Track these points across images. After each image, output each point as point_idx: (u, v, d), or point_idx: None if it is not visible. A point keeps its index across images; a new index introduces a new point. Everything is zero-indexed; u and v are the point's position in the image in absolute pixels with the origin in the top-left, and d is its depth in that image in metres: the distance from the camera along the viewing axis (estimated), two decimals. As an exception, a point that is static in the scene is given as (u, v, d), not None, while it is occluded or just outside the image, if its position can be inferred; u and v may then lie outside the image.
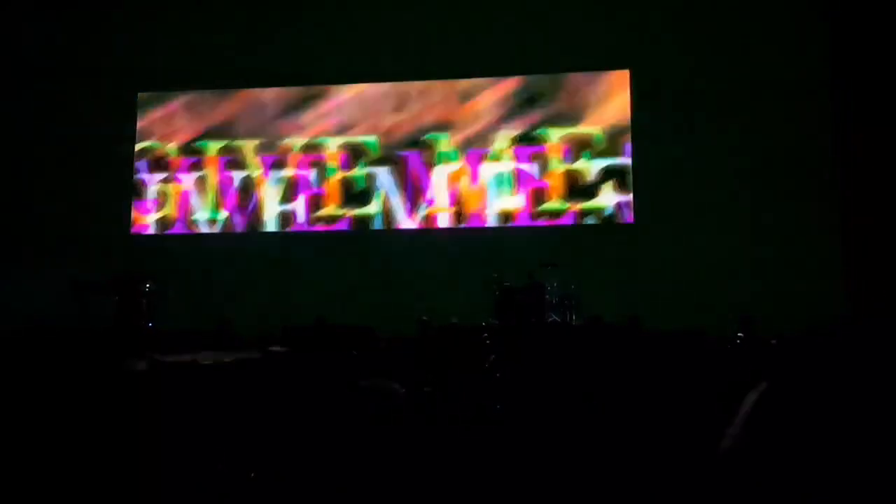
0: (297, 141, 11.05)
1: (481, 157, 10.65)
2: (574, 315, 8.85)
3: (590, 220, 10.35)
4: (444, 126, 10.74)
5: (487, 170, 10.63)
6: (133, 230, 11.10)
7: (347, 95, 11.01)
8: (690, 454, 3.57)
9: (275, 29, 11.08)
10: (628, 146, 10.37)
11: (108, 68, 11.27)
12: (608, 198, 10.39)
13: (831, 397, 2.04)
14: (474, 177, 10.62)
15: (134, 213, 11.18)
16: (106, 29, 11.42)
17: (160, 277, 9.17)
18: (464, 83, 10.76)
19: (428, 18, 10.80)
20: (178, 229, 11.06)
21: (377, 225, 10.76)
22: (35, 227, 11.02)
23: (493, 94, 10.67)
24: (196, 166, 11.20)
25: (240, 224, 11.01)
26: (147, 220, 11.18)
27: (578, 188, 10.49)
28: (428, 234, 10.55)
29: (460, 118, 10.71)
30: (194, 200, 11.11)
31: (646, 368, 5.61)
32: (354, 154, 10.94)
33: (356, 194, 10.87)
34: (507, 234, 10.39)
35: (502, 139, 10.63)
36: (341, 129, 11.01)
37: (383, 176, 10.81)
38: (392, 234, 10.65)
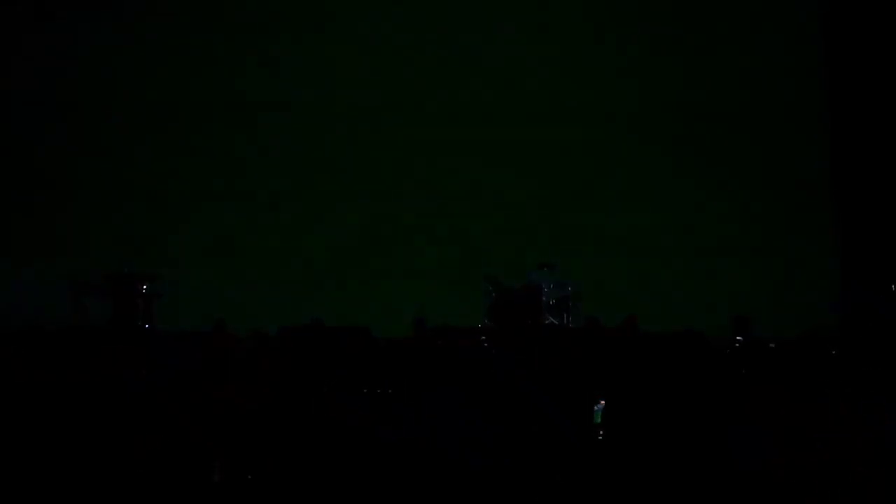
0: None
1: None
2: (571, 317, 8.83)
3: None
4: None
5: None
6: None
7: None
8: (692, 456, 3.56)
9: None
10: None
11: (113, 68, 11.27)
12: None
13: None
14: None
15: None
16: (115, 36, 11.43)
17: (157, 277, 9.14)
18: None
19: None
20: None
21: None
22: (32, 226, 10.98)
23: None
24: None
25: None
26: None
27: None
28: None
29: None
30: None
31: (644, 371, 5.61)
32: None
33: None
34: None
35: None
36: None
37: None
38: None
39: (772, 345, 7.36)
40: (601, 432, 4.07)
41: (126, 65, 11.24)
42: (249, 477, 4.14)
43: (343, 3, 11.09)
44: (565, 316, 8.82)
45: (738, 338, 7.91)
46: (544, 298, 8.85)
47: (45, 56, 11.41)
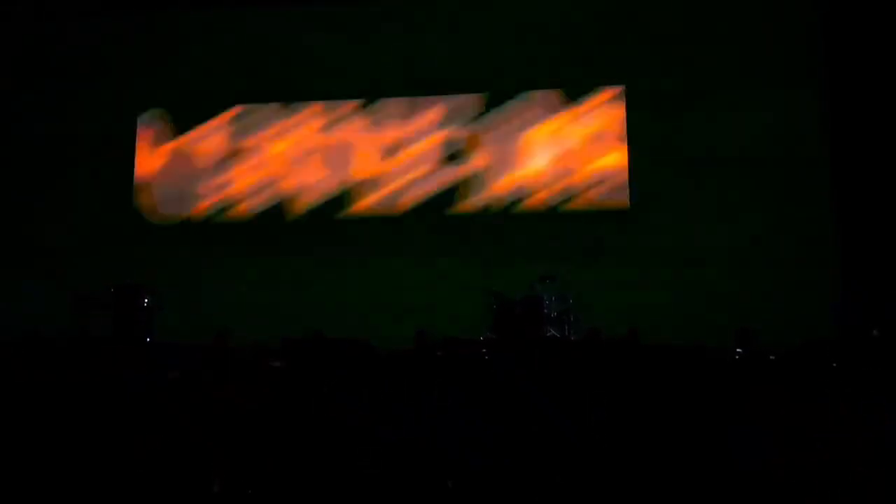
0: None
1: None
2: (573, 329, 8.83)
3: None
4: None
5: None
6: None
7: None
8: (691, 457, 3.56)
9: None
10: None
11: (111, 82, 11.36)
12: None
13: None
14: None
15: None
16: (110, 43, 11.53)
17: (159, 289, 9.17)
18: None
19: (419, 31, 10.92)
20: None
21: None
22: (34, 237, 11.01)
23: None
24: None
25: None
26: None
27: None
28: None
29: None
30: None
31: (645, 383, 5.60)
32: None
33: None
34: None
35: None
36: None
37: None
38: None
39: (772, 356, 7.34)
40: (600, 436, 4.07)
41: (125, 80, 11.35)
42: (250, 491, 4.13)
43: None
44: (567, 328, 8.82)
45: (738, 350, 7.90)
46: (546, 311, 8.87)
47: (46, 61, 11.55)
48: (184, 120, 11.33)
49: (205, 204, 11.16)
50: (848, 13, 9.84)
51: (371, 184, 10.85)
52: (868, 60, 9.62)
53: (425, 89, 10.86)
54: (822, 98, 9.91)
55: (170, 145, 11.33)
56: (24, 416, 5.31)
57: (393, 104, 10.96)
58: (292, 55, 11.11)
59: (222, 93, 11.24)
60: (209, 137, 11.25)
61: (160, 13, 11.49)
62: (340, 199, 10.91)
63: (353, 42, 11.07)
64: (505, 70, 10.69)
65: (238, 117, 11.24)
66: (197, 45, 11.34)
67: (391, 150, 10.90)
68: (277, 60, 11.15)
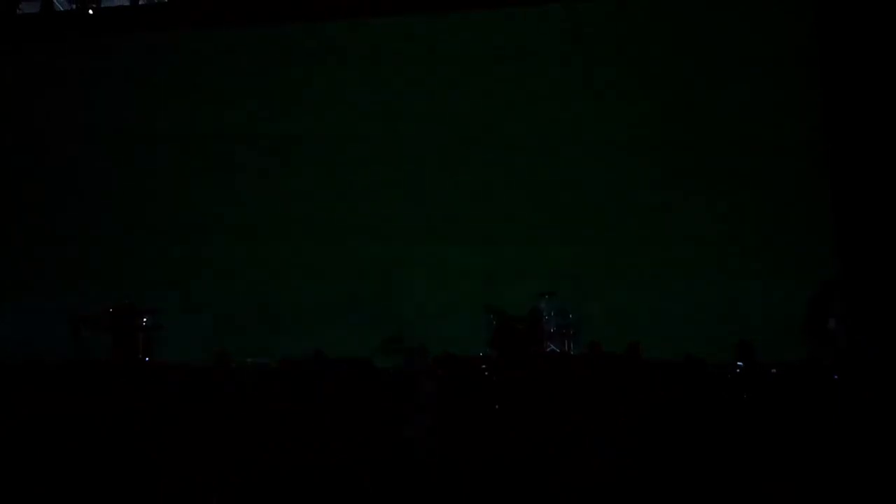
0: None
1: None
2: (573, 344, 8.80)
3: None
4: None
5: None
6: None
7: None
8: (690, 459, 3.57)
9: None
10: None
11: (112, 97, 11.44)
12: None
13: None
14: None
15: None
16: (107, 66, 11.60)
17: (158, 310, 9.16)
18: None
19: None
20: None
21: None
22: (33, 259, 11.00)
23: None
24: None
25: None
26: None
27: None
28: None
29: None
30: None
31: (646, 398, 5.59)
32: None
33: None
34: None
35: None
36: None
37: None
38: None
39: (773, 370, 7.32)
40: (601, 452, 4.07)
41: (134, 100, 11.40)
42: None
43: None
44: (567, 343, 8.79)
45: (738, 363, 7.87)
46: (545, 326, 8.84)
47: (53, 91, 11.62)
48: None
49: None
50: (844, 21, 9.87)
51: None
52: (865, 68, 9.64)
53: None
54: (822, 107, 9.94)
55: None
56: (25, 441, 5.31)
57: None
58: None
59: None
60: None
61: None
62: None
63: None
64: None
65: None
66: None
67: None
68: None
